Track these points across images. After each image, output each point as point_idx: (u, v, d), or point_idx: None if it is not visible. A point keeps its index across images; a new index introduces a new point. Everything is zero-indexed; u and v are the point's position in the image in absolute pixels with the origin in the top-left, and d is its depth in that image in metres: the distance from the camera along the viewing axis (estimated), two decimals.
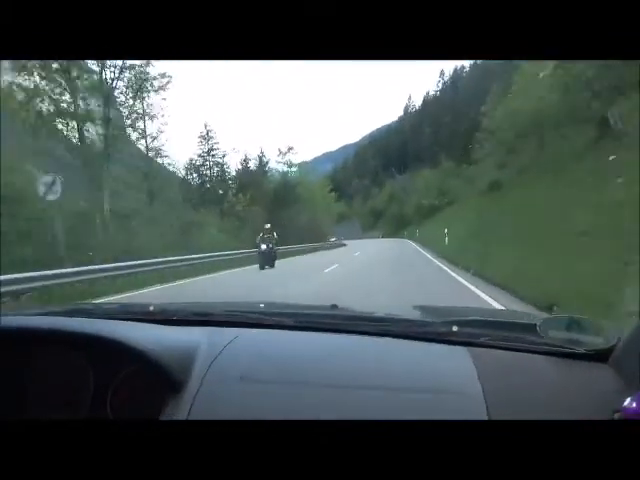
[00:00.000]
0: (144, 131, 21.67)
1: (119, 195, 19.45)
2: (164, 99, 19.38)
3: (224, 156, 36.15)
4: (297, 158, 39.52)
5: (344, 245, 38.88)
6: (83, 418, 0.82)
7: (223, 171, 35.81)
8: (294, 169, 38.21)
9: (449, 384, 0.75)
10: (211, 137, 35.86)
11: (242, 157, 37.14)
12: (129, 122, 19.19)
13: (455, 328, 0.92)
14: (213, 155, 36.02)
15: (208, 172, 35.85)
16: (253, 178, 34.18)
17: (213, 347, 0.84)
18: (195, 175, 34.31)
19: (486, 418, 0.64)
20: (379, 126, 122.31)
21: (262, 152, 36.35)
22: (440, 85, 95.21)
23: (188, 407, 0.70)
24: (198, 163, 35.96)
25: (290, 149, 37.87)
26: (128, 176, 22.63)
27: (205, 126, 36.26)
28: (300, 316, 1.12)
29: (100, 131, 17.03)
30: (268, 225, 14.31)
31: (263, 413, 0.69)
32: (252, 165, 36.21)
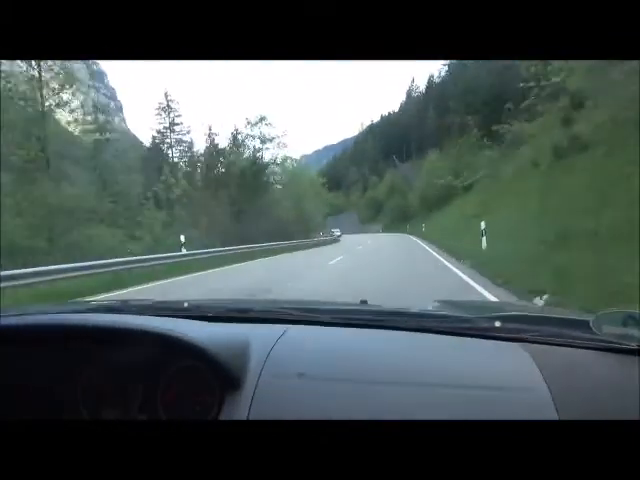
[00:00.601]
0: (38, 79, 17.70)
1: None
2: None
3: (189, 132, 35.13)
4: (273, 136, 35.00)
5: (337, 241, 37.27)
6: (133, 418, 0.89)
7: (191, 150, 34.52)
8: (268, 146, 33.88)
9: (513, 381, 0.81)
10: (172, 109, 35.00)
11: (207, 131, 33.45)
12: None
13: (498, 324, 1.00)
14: (175, 131, 35.37)
15: (170, 151, 35.20)
16: (220, 158, 31.79)
17: (263, 343, 0.91)
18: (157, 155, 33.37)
19: (556, 417, 0.69)
20: (380, 116, 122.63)
21: (236, 129, 33.34)
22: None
23: (248, 406, 0.76)
24: (157, 140, 35.31)
25: (262, 119, 33.29)
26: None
27: (165, 96, 35.02)
28: (337, 312, 1.22)
29: None
30: None
31: (325, 412, 0.74)
32: (223, 144, 33.42)
